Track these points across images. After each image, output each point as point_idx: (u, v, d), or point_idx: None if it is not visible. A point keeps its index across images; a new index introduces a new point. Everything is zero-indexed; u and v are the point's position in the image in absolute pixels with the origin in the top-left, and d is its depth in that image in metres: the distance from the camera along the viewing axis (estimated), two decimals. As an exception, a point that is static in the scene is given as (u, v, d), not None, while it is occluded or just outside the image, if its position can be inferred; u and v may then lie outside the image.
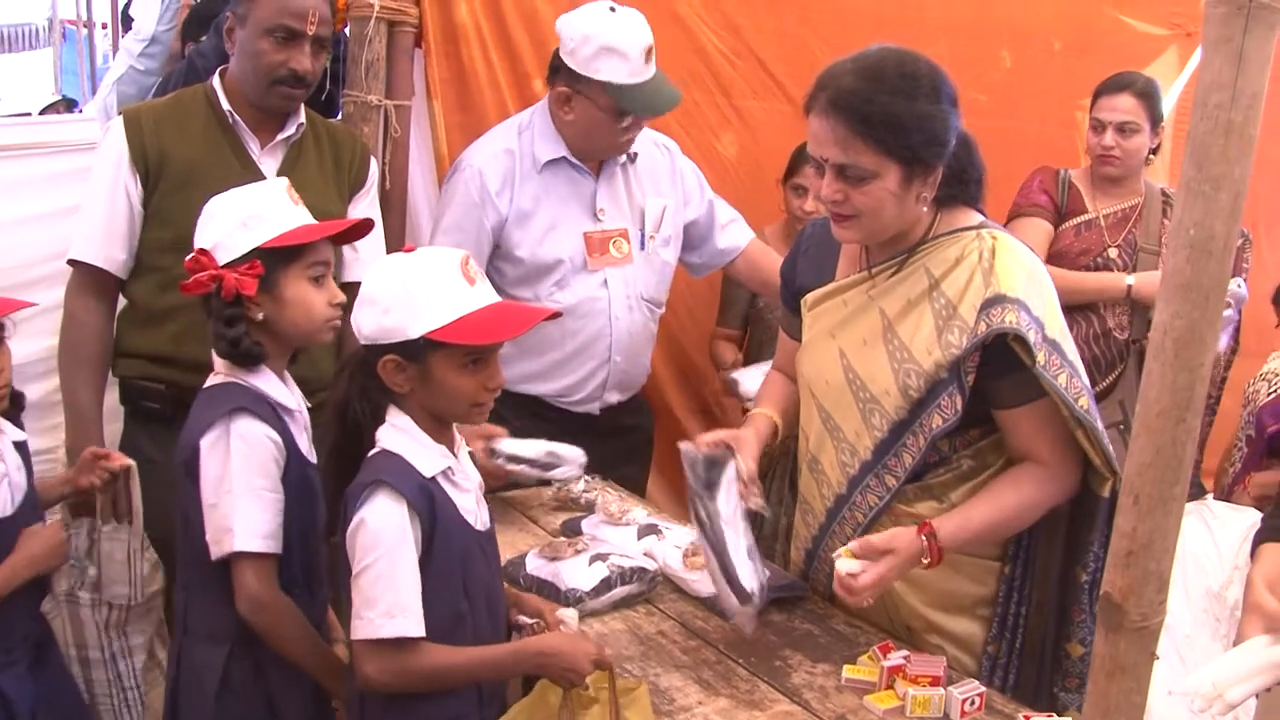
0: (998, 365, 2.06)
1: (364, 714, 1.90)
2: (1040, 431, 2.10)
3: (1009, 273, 2.05)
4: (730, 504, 2.12)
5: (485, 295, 1.87)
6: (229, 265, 2.04)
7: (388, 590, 1.77)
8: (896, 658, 2.06)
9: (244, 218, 2.06)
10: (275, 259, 2.03)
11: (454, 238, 2.95)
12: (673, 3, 3.60)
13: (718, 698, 2.00)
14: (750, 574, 2.09)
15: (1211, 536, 3.12)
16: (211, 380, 2.11)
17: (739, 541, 2.12)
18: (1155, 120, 3.62)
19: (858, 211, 2.06)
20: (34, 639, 2.16)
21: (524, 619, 2.08)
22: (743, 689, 2.04)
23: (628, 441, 3.32)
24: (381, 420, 1.89)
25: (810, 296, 2.30)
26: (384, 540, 1.78)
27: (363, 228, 2.27)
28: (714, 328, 3.81)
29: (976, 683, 2.02)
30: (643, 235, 3.16)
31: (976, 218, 2.19)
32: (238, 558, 1.98)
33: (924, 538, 2.03)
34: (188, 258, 2.07)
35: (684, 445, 2.19)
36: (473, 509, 1.92)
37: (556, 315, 2.04)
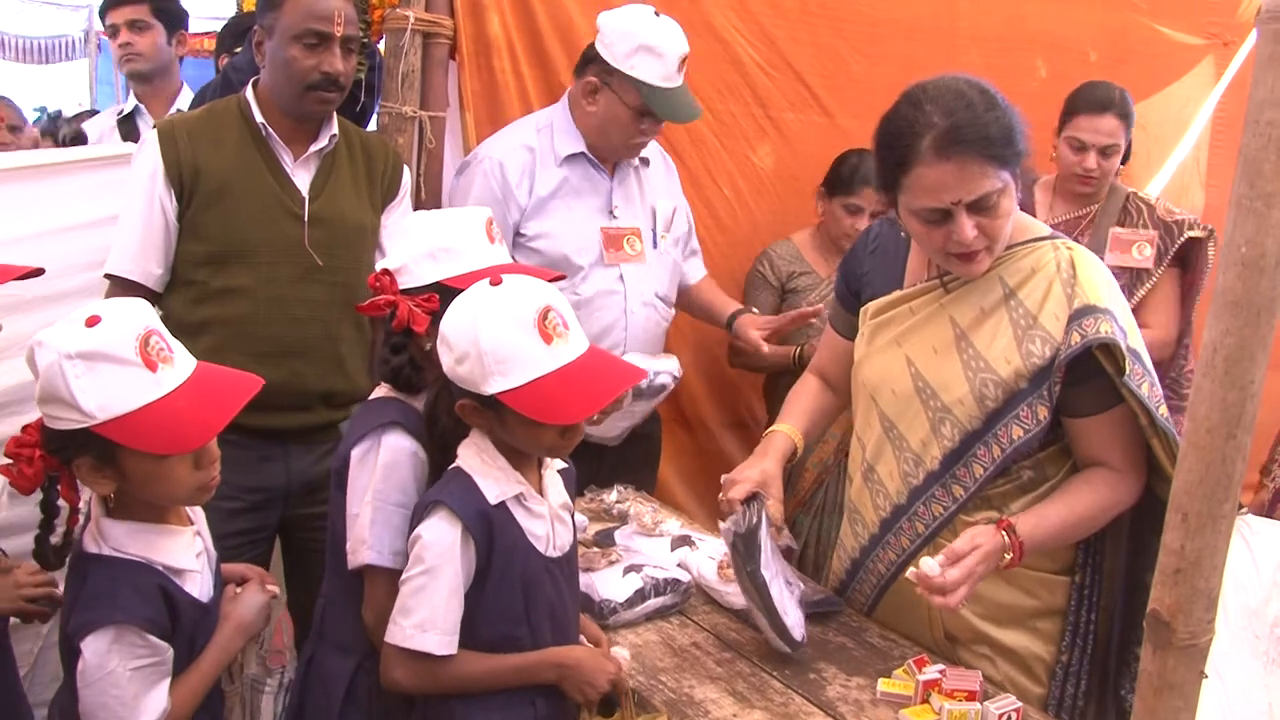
0: (1079, 374, 2.06)
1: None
2: (1114, 438, 2.11)
3: (1093, 283, 2.07)
4: (768, 555, 2.12)
5: (565, 352, 1.79)
6: (409, 292, 1.99)
7: (424, 605, 1.81)
8: (932, 671, 2.05)
9: (434, 248, 2.02)
10: (453, 298, 1.87)
11: None
12: (709, 15, 3.61)
13: (752, 710, 2.00)
14: (798, 623, 2.15)
15: (1250, 553, 3.09)
16: (375, 393, 2.11)
17: (783, 590, 2.14)
18: (1128, 130, 3.52)
19: (991, 239, 2.06)
20: (215, 713, 2.01)
21: (581, 639, 2.08)
22: (777, 701, 2.03)
23: (641, 448, 3.34)
24: (466, 433, 1.91)
25: (872, 306, 2.29)
26: (430, 557, 1.81)
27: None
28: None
29: (1012, 698, 2.00)
30: (654, 234, 3.23)
31: (1040, 226, 2.20)
32: (370, 570, 1.99)
33: (1004, 533, 2.03)
34: (371, 275, 2.03)
35: (724, 525, 2.15)
36: (544, 534, 1.92)
37: (642, 375, 1.97)
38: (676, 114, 3.08)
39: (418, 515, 1.88)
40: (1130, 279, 3.47)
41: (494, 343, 1.75)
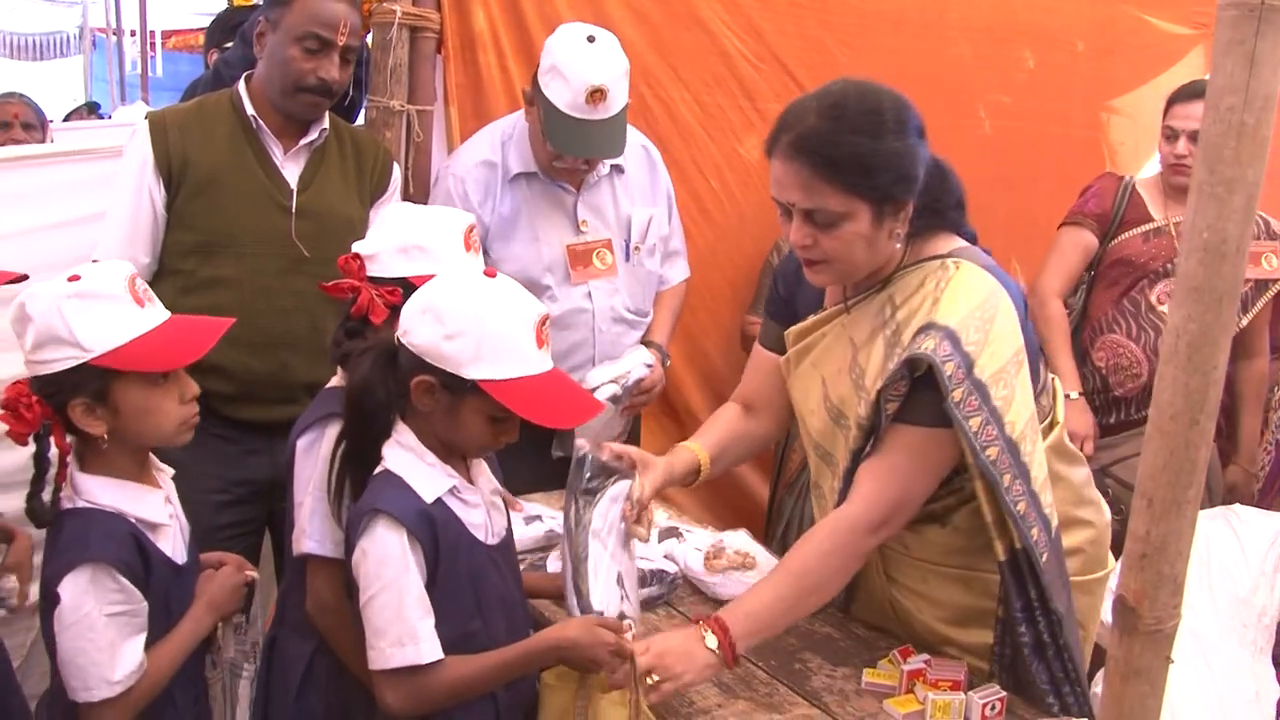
0: (919, 382, 1.94)
1: None
2: (898, 458, 1.97)
3: (954, 300, 1.94)
4: (607, 519, 2.01)
5: (547, 361, 1.83)
6: (375, 280, 2.00)
7: (395, 620, 1.77)
8: (917, 662, 2.05)
9: (407, 243, 2.02)
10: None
11: None
12: (695, 7, 3.60)
13: (737, 700, 2.00)
14: (605, 594, 1.97)
15: (1239, 542, 3.09)
16: (333, 380, 2.11)
17: (604, 557, 2.00)
18: None
19: (828, 256, 1.97)
20: (202, 705, 2.02)
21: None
22: (762, 692, 2.04)
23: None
24: (393, 420, 1.87)
25: (792, 332, 2.23)
26: (386, 571, 1.77)
27: None
28: (745, 315, 3.81)
29: (997, 687, 2.01)
30: (628, 246, 3.15)
31: (951, 244, 2.06)
32: (310, 559, 2.01)
33: (710, 630, 1.87)
34: (342, 257, 2.05)
35: (580, 441, 2.08)
36: (482, 523, 1.90)
37: (599, 409, 1.98)
38: (570, 146, 2.88)
39: (354, 524, 1.82)
40: (1253, 290, 3.47)
41: (499, 332, 1.75)
